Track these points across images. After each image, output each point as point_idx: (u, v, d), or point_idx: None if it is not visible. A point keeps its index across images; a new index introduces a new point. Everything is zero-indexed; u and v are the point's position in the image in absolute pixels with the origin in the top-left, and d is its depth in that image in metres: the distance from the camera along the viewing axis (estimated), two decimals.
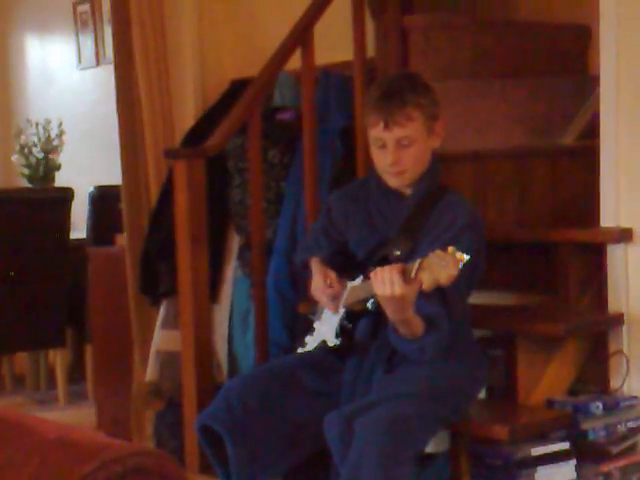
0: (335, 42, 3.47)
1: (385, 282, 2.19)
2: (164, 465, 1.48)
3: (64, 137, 5.68)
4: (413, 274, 2.13)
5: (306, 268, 2.66)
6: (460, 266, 2.07)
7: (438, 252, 2.10)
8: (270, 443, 2.46)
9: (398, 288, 2.18)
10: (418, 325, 2.30)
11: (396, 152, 2.44)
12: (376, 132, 2.46)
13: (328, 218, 2.68)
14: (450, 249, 2.09)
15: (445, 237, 2.36)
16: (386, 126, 2.43)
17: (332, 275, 2.49)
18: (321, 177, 3.29)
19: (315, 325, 2.60)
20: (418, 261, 2.14)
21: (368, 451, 2.20)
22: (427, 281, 2.12)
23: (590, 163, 2.78)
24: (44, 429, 1.54)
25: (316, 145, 3.24)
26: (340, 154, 3.34)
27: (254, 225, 3.22)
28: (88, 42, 5.82)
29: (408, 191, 2.53)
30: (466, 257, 2.08)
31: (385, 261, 2.32)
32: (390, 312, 2.27)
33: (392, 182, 2.52)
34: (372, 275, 2.25)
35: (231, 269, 3.58)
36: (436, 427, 2.39)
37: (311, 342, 2.59)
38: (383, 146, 2.46)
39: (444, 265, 2.08)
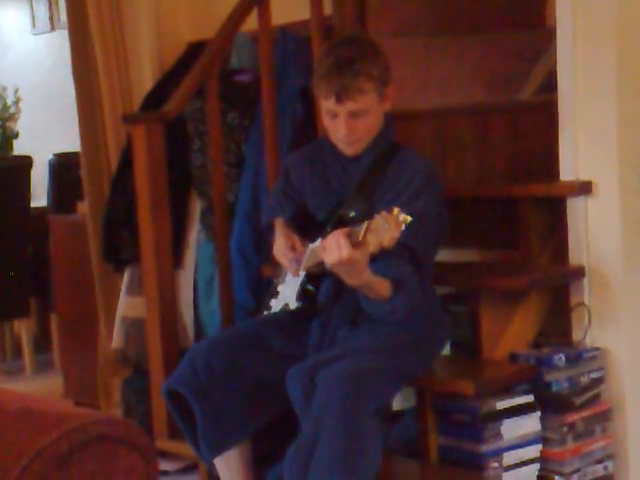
0: (292, 1, 3.44)
1: (332, 248, 2.16)
2: (129, 433, 1.48)
3: (21, 104, 5.61)
4: (361, 237, 2.11)
5: (272, 230, 2.65)
6: (403, 228, 2.06)
7: (383, 213, 2.09)
8: (237, 406, 2.47)
9: (345, 251, 2.14)
10: (382, 286, 2.29)
11: (349, 123, 2.41)
12: (328, 104, 2.42)
13: (286, 180, 2.66)
14: (395, 210, 2.07)
15: (404, 197, 2.37)
16: (338, 99, 2.39)
17: (294, 238, 2.48)
18: (281, 138, 3.27)
19: (279, 288, 2.60)
20: (366, 223, 2.11)
21: (330, 404, 2.21)
22: (373, 244, 2.10)
23: (549, 117, 2.79)
24: (5, 400, 1.53)
25: (275, 106, 3.22)
26: (300, 114, 3.33)
27: (215, 189, 3.20)
28: (42, 6, 5.73)
29: (361, 152, 2.53)
30: (409, 219, 2.07)
31: (341, 222, 2.32)
32: (346, 278, 2.24)
33: (347, 151, 2.50)
34: (320, 245, 2.23)
35: (194, 234, 3.56)
36: (399, 382, 2.40)
37: (275, 305, 2.59)
38: (335, 117, 2.43)
39: (387, 228, 2.07)
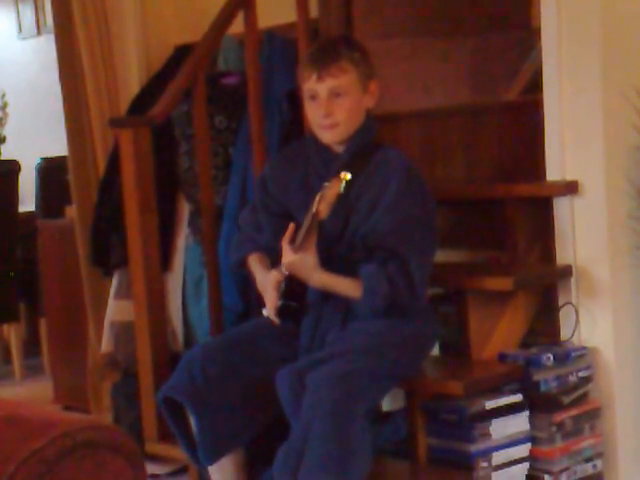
0: (278, 4, 3.44)
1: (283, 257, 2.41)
2: (116, 438, 1.48)
3: (8, 109, 5.60)
4: (314, 209, 2.29)
5: (242, 266, 2.66)
6: (343, 184, 2.29)
7: (332, 179, 2.32)
8: (233, 412, 2.46)
9: (288, 257, 2.39)
10: (345, 286, 2.41)
11: (328, 103, 2.47)
12: (309, 84, 2.49)
13: (265, 192, 2.65)
14: (342, 173, 2.30)
15: (386, 200, 2.43)
16: (319, 77, 2.47)
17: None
18: (268, 141, 3.27)
19: None
20: (319, 195, 2.32)
21: (319, 406, 2.22)
22: (323, 210, 2.31)
23: (535, 117, 2.80)
24: None
25: (262, 109, 3.22)
26: (286, 117, 3.33)
27: (203, 192, 3.20)
28: (28, 11, 5.72)
29: (341, 149, 2.54)
30: (349, 176, 2.30)
31: (314, 218, 2.38)
32: (304, 279, 2.42)
33: (325, 137, 2.52)
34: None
35: (182, 237, 3.56)
36: (388, 383, 2.40)
37: (266, 313, 2.58)
38: (316, 97, 2.49)
39: (330, 188, 2.30)
